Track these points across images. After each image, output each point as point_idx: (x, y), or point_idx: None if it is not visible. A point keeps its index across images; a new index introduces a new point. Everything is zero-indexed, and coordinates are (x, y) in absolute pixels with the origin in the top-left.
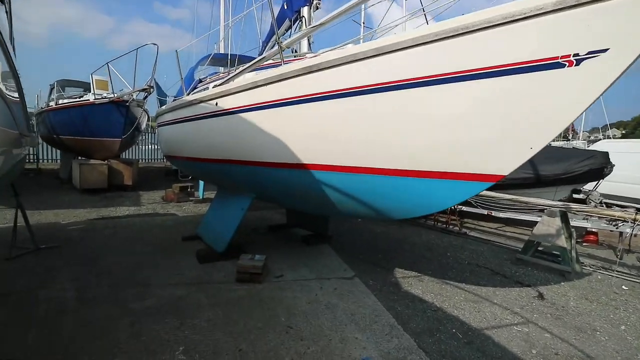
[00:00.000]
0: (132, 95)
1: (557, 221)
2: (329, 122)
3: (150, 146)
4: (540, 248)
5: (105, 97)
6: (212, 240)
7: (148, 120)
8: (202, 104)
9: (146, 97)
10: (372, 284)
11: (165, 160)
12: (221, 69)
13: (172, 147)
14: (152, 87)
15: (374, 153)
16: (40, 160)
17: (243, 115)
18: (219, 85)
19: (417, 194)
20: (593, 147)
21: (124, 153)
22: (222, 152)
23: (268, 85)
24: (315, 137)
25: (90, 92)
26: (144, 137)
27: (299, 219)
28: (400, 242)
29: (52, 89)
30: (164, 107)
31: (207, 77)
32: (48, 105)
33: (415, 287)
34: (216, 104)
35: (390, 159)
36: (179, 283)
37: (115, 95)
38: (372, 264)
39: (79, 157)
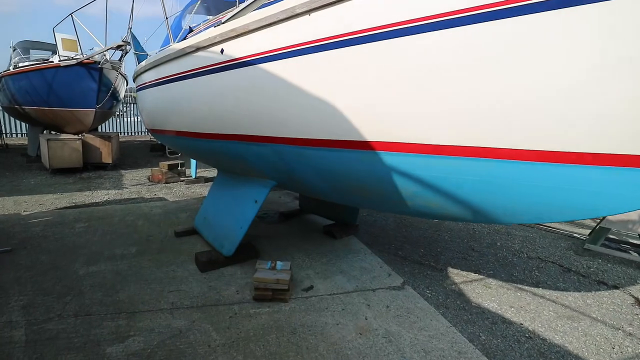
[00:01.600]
0: (104, 55)
1: None
2: (446, 72)
3: (132, 118)
4: (610, 236)
5: (73, 59)
6: (215, 240)
7: (127, 86)
8: (200, 53)
9: (122, 56)
10: (431, 295)
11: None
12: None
13: (157, 117)
14: (129, 42)
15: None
16: (7, 135)
17: (266, 66)
18: (226, 22)
19: (587, 191)
20: None
21: (100, 126)
22: (231, 124)
23: (321, 10)
24: (407, 97)
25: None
26: (124, 109)
27: (317, 204)
28: (435, 229)
29: (13, 52)
30: (143, 62)
31: (199, 24)
32: (6, 71)
33: (485, 297)
34: (221, 51)
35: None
36: (176, 307)
37: (85, 55)
38: (417, 264)
39: (49, 132)
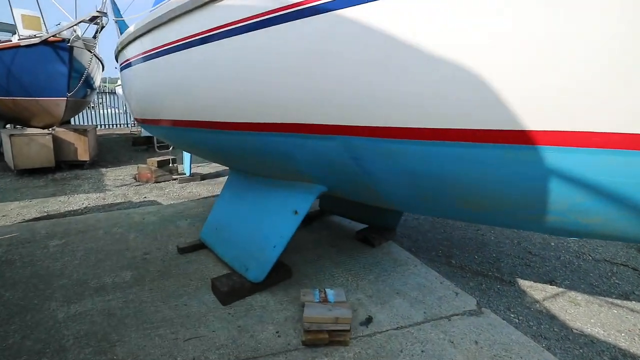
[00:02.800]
0: (74, 32)
1: None
2: None
3: (108, 110)
4: None
5: (35, 37)
6: (235, 260)
7: (102, 70)
8: (229, 1)
9: (98, 32)
10: (518, 320)
11: (133, 124)
12: None
13: (151, 103)
14: (105, 13)
15: None
16: None
17: (363, 10)
18: None
19: None
20: None
21: (73, 118)
22: (275, 109)
23: None
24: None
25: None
26: (99, 99)
27: (345, 205)
28: (475, 228)
29: None
30: (131, 28)
31: None
32: None
33: (581, 319)
34: None
35: None
36: None
37: (50, 32)
38: (480, 275)
39: (13, 126)
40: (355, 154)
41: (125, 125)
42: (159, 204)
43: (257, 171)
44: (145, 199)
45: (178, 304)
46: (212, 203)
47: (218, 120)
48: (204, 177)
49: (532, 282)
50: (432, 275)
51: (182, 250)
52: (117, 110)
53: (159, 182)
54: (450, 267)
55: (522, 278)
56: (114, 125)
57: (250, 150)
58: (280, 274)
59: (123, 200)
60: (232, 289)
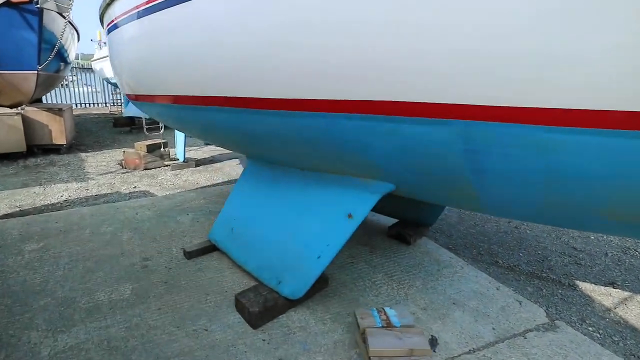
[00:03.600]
0: None
1: None
2: None
3: (82, 88)
4: None
5: None
6: (262, 270)
7: (78, 41)
8: None
9: None
10: (599, 334)
11: (111, 103)
12: None
13: (148, 74)
14: None
15: None
16: None
17: None
18: None
19: None
20: None
21: (45, 97)
22: (373, 81)
23: None
24: None
25: None
26: (72, 76)
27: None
28: (507, 222)
29: None
30: None
31: None
32: None
33: None
34: None
35: None
36: None
37: None
38: (534, 277)
39: None
40: (473, 145)
41: (104, 105)
42: (152, 195)
43: (296, 162)
44: (136, 189)
45: (197, 328)
46: (214, 193)
47: (252, 97)
48: (198, 162)
49: (592, 285)
50: (484, 279)
51: (190, 255)
52: (92, 89)
53: (149, 169)
54: (499, 267)
55: (579, 280)
56: (91, 105)
57: (299, 136)
58: (315, 284)
59: (110, 191)
60: (265, 308)
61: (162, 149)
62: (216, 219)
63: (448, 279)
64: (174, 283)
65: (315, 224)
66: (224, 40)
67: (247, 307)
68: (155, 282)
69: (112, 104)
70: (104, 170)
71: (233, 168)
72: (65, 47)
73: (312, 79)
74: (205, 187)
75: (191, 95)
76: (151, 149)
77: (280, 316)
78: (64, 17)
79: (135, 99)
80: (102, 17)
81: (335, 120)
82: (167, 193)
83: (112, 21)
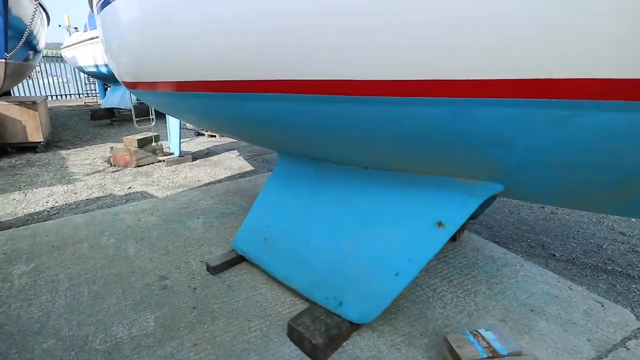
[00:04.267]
0: None
1: None
2: None
3: (50, 80)
4: None
5: None
6: (316, 287)
7: (48, 25)
8: None
9: None
10: None
11: (85, 94)
12: None
13: (157, 57)
14: None
15: None
16: None
17: None
18: None
19: None
20: None
21: (13, 89)
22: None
23: None
24: None
25: None
26: (39, 66)
27: None
28: (540, 207)
29: None
30: None
31: None
32: None
33: None
34: None
35: None
36: None
37: None
38: (603, 272)
39: None
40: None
41: (77, 96)
42: (151, 196)
43: (364, 159)
44: (132, 190)
45: None
46: (221, 191)
47: (326, 79)
48: (194, 156)
49: None
50: (551, 277)
51: (215, 270)
52: (60, 79)
53: (142, 165)
54: (557, 261)
55: None
56: (62, 96)
57: (389, 129)
58: None
59: (102, 194)
60: (330, 338)
61: (154, 143)
62: (242, 226)
63: (513, 279)
64: (205, 308)
65: (390, 233)
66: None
67: (308, 338)
68: (182, 307)
69: (86, 95)
70: (90, 170)
71: (233, 161)
72: (35, 32)
73: (430, 53)
74: (208, 184)
75: (222, 80)
76: (142, 143)
77: (344, 343)
78: None
79: (135, 87)
80: None
81: (463, 108)
82: (168, 193)
83: None
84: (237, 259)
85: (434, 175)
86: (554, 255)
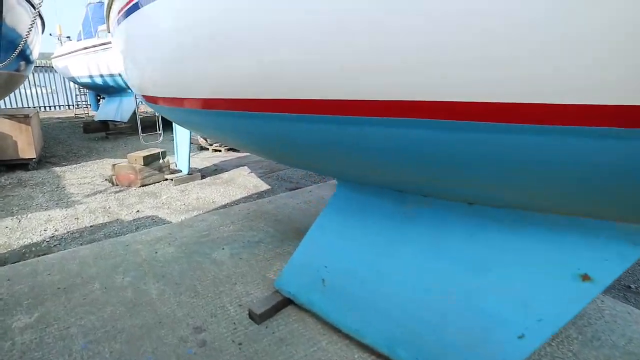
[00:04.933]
0: None
1: None
2: None
3: (36, 90)
4: None
5: None
6: (403, 347)
7: (42, 33)
8: None
9: None
10: None
11: (74, 105)
12: None
13: (196, 70)
14: None
15: None
16: None
17: None
18: None
19: None
20: None
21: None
22: None
23: None
24: None
25: None
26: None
27: None
28: None
29: None
30: None
31: None
32: None
33: None
34: None
35: None
36: None
37: None
38: None
39: None
40: None
41: (66, 107)
42: (163, 221)
43: (481, 196)
44: (140, 215)
45: None
46: (242, 215)
47: (423, 100)
48: (204, 174)
49: None
50: (638, 315)
51: (261, 317)
52: (45, 90)
53: (147, 184)
54: (635, 294)
55: None
56: (50, 108)
57: (509, 157)
58: None
59: (108, 220)
60: None
61: (161, 160)
62: (288, 264)
63: (601, 320)
64: None
65: (511, 286)
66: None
67: None
68: None
69: (76, 106)
70: (90, 190)
71: (246, 179)
72: (30, 42)
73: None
74: (225, 206)
75: (296, 98)
76: (149, 160)
77: None
78: (34, 7)
79: (166, 103)
80: (109, 12)
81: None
82: (182, 217)
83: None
84: (283, 303)
85: (573, 217)
86: (629, 287)
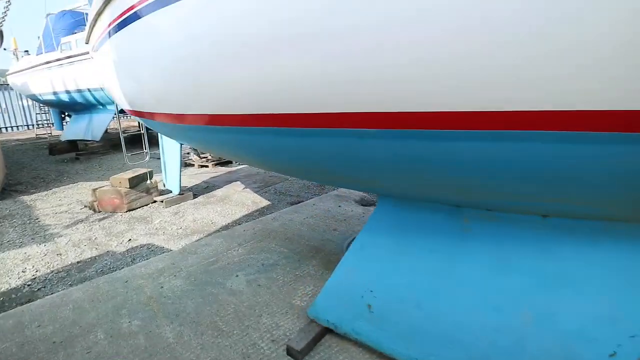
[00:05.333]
0: None
1: None
2: None
3: None
4: None
5: None
6: None
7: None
8: None
9: None
10: None
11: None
12: None
13: (212, 81)
14: None
15: None
16: None
17: None
18: None
19: None
20: None
21: None
22: None
23: None
24: None
25: None
26: None
27: None
28: None
29: None
30: None
31: None
32: None
33: None
34: None
35: None
36: None
37: None
38: None
39: None
40: None
41: (26, 128)
42: (162, 249)
43: (534, 204)
44: (133, 243)
45: None
46: (249, 236)
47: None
48: (196, 192)
49: None
50: None
51: (302, 353)
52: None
53: (134, 208)
54: None
55: None
56: (7, 129)
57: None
58: None
59: (96, 253)
60: None
61: (148, 181)
62: (323, 291)
63: None
64: None
65: (596, 300)
66: None
67: None
68: None
69: (37, 126)
70: (69, 220)
71: (242, 195)
72: None
73: None
74: (226, 227)
75: (338, 112)
76: (135, 182)
77: None
78: None
79: (169, 119)
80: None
81: None
82: (183, 243)
83: (130, 9)
84: (321, 333)
85: None
86: None
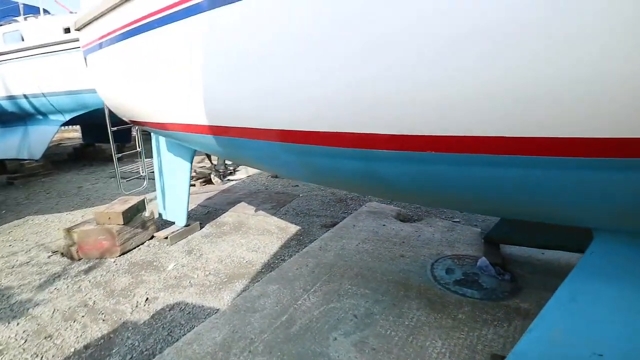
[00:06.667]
0: None
1: None
2: None
3: None
4: None
5: None
6: None
7: None
8: None
9: None
10: None
11: None
12: None
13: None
14: None
15: None
16: None
17: None
18: None
19: None
20: None
21: None
22: None
23: None
24: None
25: None
26: None
27: (528, 229)
28: None
29: None
30: None
31: None
32: None
33: None
34: None
35: None
36: None
37: None
38: None
39: None
40: None
41: None
42: (202, 309)
43: None
44: (154, 305)
45: None
46: (306, 276)
47: None
48: (201, 221)
49: None
50: None
51: None
52: None
53: (129, 250)
54: None
55: None
56: None
57: None
58: None
59: (108, 329)
60: None
61: (144, 213)
62: (516, 350)
63: None
64: None
65: None
66: None
67: None
68: None
69: None
70: (38, 275)
71: (260, 220)
72: None
73: None
74: (269, 265)
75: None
76: (129, 216)
77: None
78: None
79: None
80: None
81: None
82: (227, 297)
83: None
84: None
85: None
86: None
